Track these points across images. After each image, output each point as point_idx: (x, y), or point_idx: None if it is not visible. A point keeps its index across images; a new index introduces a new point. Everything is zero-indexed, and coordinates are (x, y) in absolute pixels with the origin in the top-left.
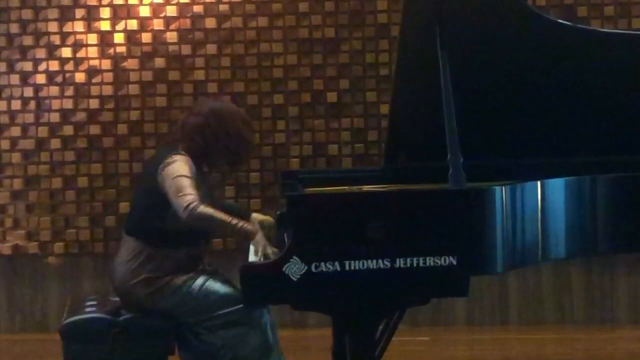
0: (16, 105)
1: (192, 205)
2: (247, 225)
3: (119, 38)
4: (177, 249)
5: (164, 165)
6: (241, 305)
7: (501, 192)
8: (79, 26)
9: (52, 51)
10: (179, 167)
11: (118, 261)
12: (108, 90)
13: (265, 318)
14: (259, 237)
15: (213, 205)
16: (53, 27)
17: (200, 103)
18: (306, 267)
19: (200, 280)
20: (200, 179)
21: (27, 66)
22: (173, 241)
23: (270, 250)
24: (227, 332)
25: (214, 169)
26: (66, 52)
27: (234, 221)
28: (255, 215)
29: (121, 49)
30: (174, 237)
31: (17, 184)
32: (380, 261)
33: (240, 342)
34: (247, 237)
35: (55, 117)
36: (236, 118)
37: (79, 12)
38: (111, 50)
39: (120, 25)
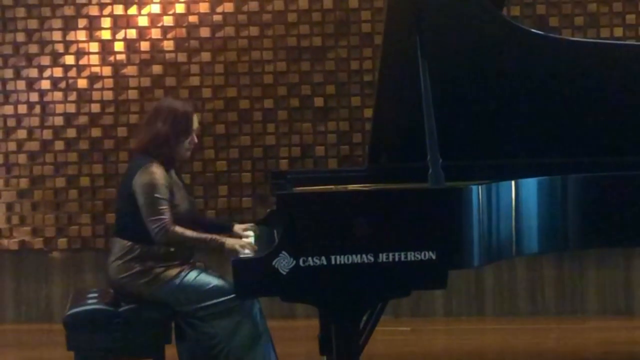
0: (22, 109)
1: (163, 229)
2: (217, 237)
3: (119, 46)
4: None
5: (141, 171)
6: (233, 296)
7: (478, 191)
8: (82, 35)
9: (56, 59)
10: (154, 182)
11: (111, 259)
12: (109, 95)
13: (255, 308)
14: (230, 242)
15: (192, 207)
16: (57, 36)
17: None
18: (294, 262)
19: (194, 273)
20: (173, 183)
21: (33, 73)
22: None
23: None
24: (220, 322)
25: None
26: (69, 59)
27: (203, 236)
28: (238, 226)
29: (121, 57)
30: None
31: (23, 183)
32: (364, 256)
33: (232, 331)
34: (219, 248)
35: (59, 121)
36: (169, 109)
37: (82, 22)
38: (112, 58)
39: (120, 35)
